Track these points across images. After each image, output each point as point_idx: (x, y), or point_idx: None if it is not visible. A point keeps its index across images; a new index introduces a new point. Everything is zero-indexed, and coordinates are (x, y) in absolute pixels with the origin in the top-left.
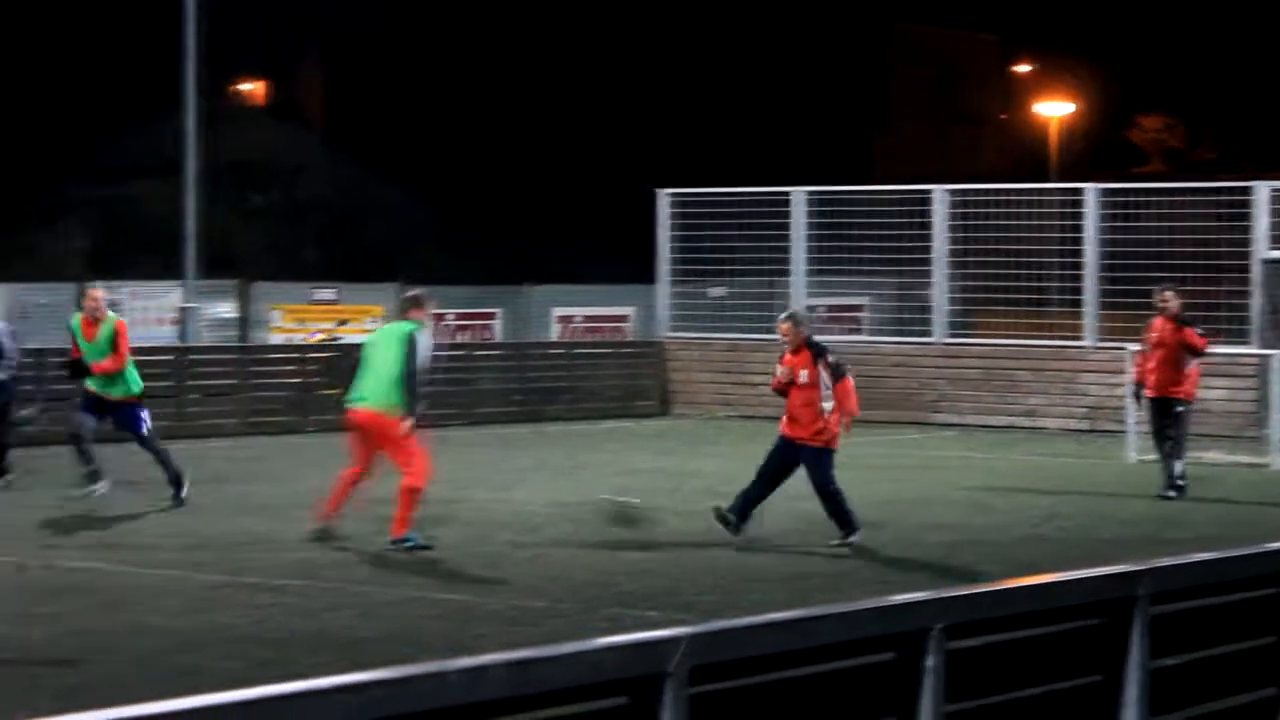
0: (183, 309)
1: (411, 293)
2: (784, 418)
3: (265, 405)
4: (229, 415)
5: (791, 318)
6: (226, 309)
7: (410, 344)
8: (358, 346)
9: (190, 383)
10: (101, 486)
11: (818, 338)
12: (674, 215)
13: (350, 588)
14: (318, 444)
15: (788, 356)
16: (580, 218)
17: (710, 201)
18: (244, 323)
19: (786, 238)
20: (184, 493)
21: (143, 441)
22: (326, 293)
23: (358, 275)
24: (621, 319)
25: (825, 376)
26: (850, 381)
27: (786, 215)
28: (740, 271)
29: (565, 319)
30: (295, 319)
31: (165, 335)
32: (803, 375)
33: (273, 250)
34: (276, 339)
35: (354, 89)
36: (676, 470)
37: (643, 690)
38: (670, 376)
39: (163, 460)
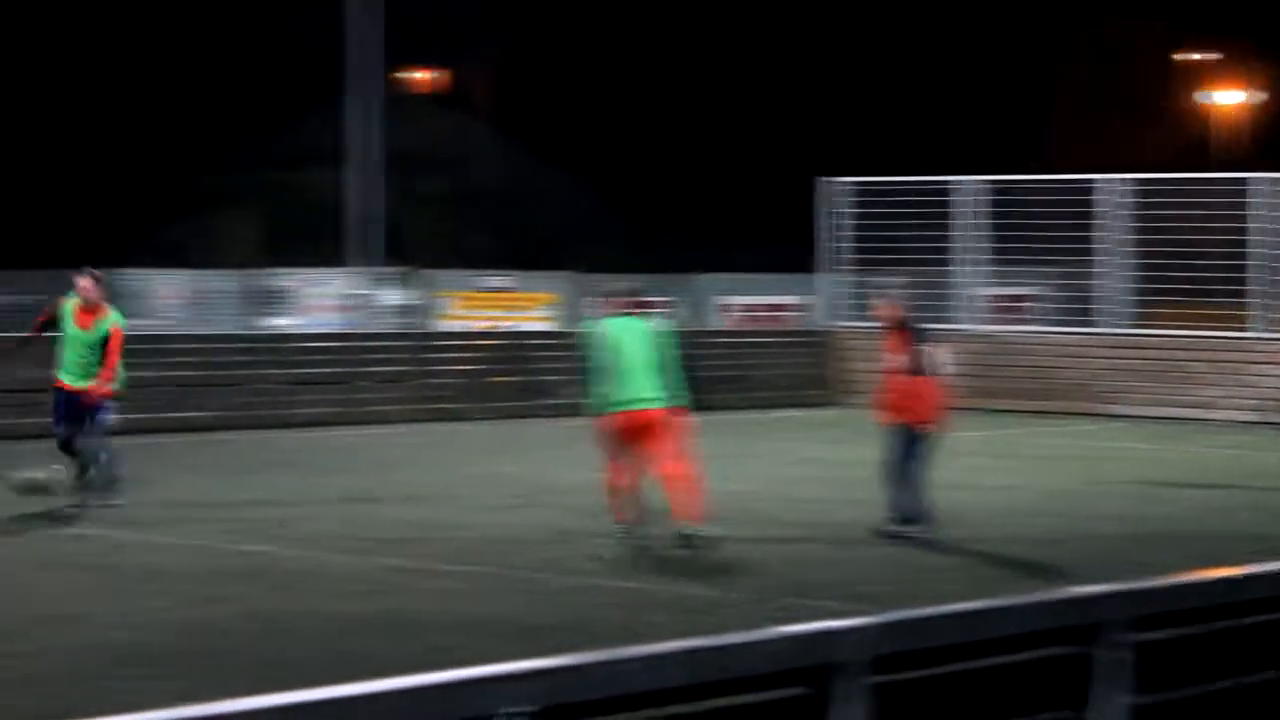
0: (353, 296)
1: (627, 285)
2: (883, 407)
3: (436, 392)
4: (400, 402)
5: (889, 296)
6: (397, 296)
7: (673, 339)
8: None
9: (362, 369)
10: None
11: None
12: (841, 204)
13: (521, 575)
14: (487, 431)
15: (889, 340)
16: (747, 206)
17: (878, 190)
18: (415, 310)
19: (955, 227)
20: (113, 500)
21: (90, 435)
22: (497, 280)
23: (527, 263)
24: (789, 308)
25: (912, 362)
26: (928, 383)
27: (955, 204)
28: (908, 260)
29: (733, 308)
30: (466, 306)
31: (336, 322)
32: (898, 358)
33: (443, 237)
34: (447, 326)
35: (524, 77)
36: (846, 460)
37: (822, 679)
38: (839, 366)
39: (94, 459)
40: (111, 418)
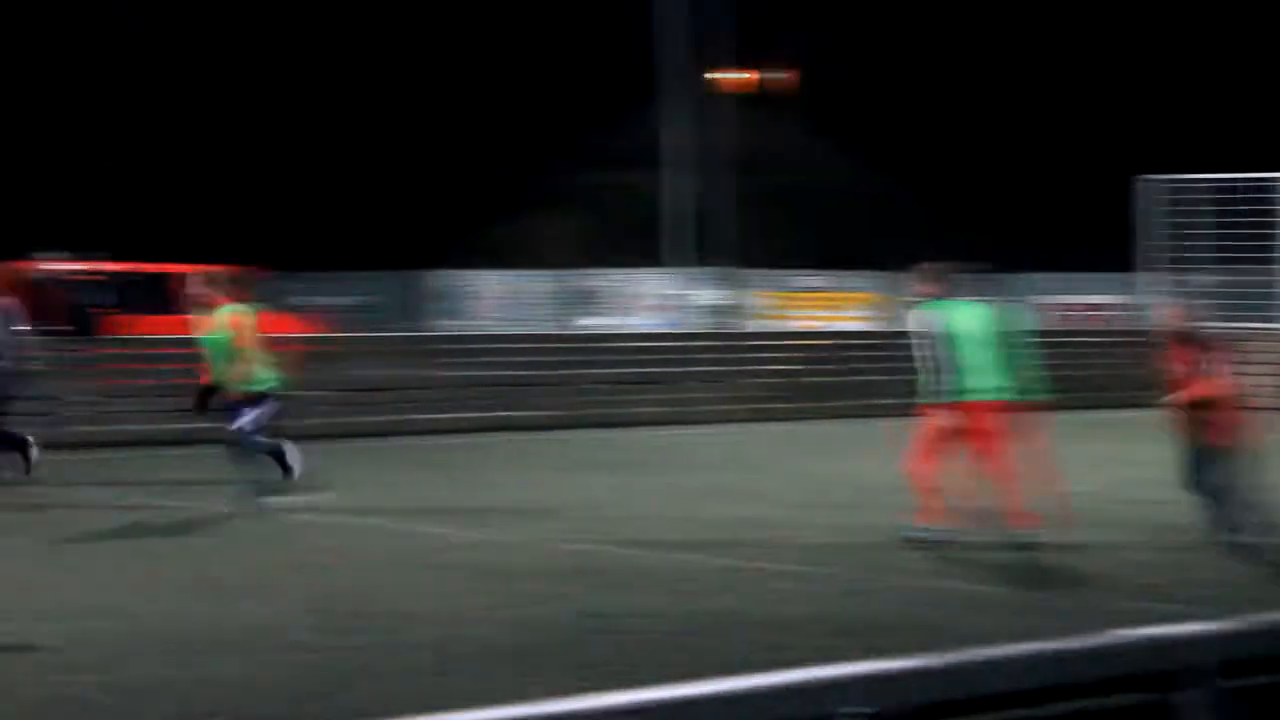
0: (671, 296)
1: (953, 265)
2: (1177, 418)
3: (755, 391)
4: (720, 401)
5: (1182, 305)
6: (714, 296)
7: (1016, 327)
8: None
9: (683, 369)
10: (299, 497)
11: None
12: (1161, 203)
13: (843, 575)
14: (806, 431)
15: (1178, 347)
16: (1062, 204)
17: (1198, 188)
18: (732, 309)
19: (1277, 224)
20: (293, 474)
21: (239, 439)
22: (815, 280)
23: (838, 263)
24: (1111, 308)
25: (1200, 369)
26: (1212, 385)
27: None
28: (1230, 260)
29: (1056, 306)
30: (783, 305)
31: (656, 322)
32: (1187, 366)
33: (760, 237)
34: (765, 325)
35: (833, 76)
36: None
37: (1171, 684)
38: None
39: (267, 450)
40: (251, 423)
